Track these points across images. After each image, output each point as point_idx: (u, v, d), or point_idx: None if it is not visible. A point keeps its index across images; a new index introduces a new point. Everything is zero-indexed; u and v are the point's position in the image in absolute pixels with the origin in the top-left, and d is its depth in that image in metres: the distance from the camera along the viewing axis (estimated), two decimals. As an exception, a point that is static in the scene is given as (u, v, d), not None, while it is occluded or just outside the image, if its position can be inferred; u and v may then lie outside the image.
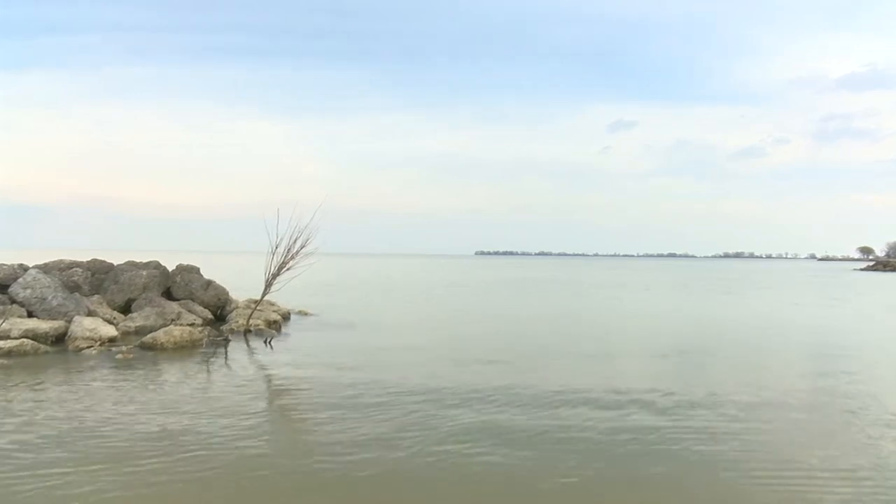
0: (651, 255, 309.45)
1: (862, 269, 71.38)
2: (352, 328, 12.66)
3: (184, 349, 9.51)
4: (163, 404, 6.09)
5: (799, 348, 10.88)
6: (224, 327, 11.48)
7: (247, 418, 5.65)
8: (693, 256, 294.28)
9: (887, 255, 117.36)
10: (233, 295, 13.83)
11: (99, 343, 9.42)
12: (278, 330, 12.02)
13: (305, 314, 14.70)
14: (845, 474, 4.39)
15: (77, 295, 10.99)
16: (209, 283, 13.24)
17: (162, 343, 9.47)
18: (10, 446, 4.73)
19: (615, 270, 61.87)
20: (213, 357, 8.94)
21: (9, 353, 8.50)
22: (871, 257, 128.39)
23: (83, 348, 9.16)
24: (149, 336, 9.67)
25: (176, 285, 12.84)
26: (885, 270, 67.73)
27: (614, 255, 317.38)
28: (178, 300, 12.58)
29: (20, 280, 10.55)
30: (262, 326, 11.71)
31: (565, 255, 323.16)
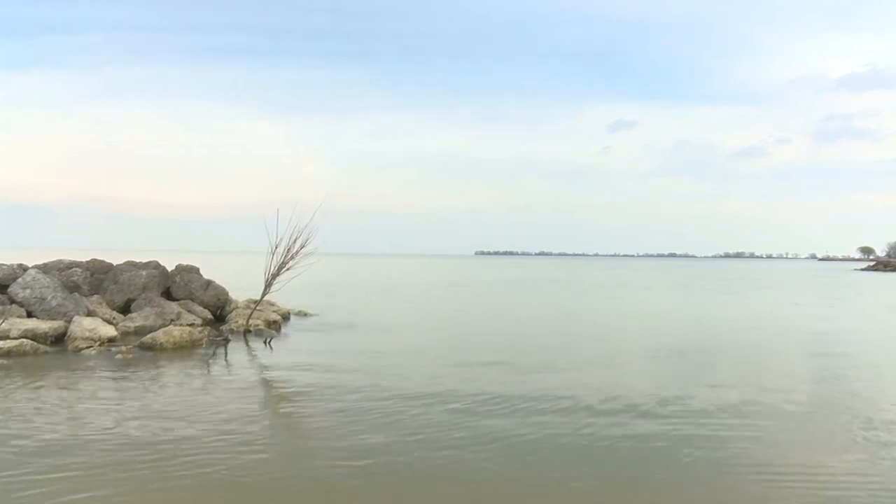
0: (651, 255, 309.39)
1: (862, 269, 71.34)
2: (352, 328, 12.65)
3: (183, 349, 9.50)
4: (162, 405, 6.08)
5: (799, 349, 10.86)
6: (224, 327, 11.47)
7: (246, 420, 5.64)
8: (693, 256, 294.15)
9: (888, 255, 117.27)
10: (232, 295, 13.82)
11: (98, 343, 9.41)
12: (278, 330, 12.01)
13: (305, 314, 14.69)
14: (846, 474, 4.37)
15: (76, 295, 10.98)
16: (209, 283, 13.23)
17: (161, 343, 9.46)
18: (9, 448, 4.72)
19: (615, 270, 61.84)
20: (212, 357, 8.93)
21: (8, 354, 8.49)
22: (871, 257, 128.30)
23: (83, 348, 9.15)
24: (148, 336, 9.66)
25: (175, 285, 12.83)
26: (885, 270, 67.67)
27: (614, 255, 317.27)
28: (177, 300, 12.58)
29: (19, 280, 10.55)
30: (261, 327, 11.70)
31: (565, 255, 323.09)
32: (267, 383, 7.50)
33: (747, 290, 28.97)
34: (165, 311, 11.60)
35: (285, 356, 9.17)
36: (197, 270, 13.31)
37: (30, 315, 10.15)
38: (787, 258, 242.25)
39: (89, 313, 10.74)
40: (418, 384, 7.19)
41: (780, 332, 13.20)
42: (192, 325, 11.28)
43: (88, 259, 12.63)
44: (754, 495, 4.03)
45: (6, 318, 9.61)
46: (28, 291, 10.38)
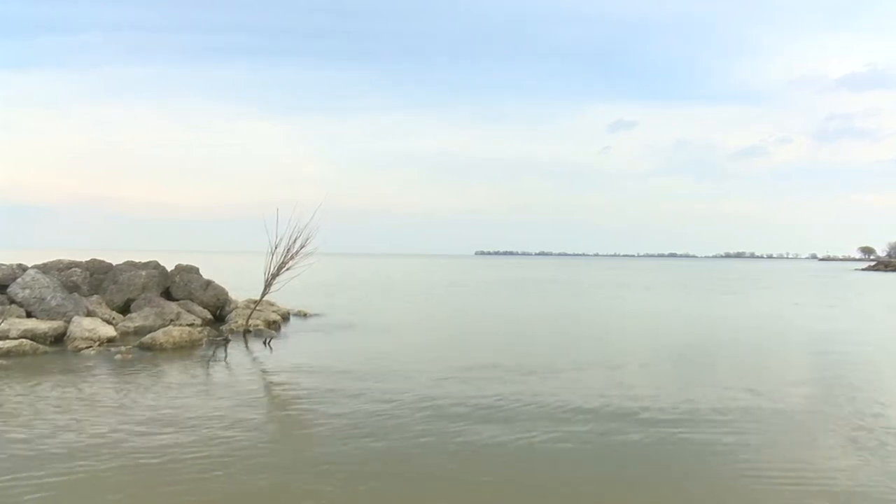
0: (651, 255, 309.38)
1: (863, 270, 71.31)
2: (351, 329, 12.64)
3: (183, 349, 9.49)
4: (162, 407, 6.07)
5: (799, 349, 10.85)
6: (223, 327, 11.46)
7: (246, 423, 5.63)
8: (694, 256, 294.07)
9: (888, 255, 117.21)
10: (232, 295, 13.82)
11: (98, 343, 9.40)
12: (277, 330, 12.01)
13: (305, 314, 14.68)
14: (846, 474, 4.36)
15: (76, 295, 10.97)
16: (208, 283, 13.22)
17: (161, 343, 9.45)
18: (9, 448, 4.71)
19: (615, 270, 61.83)
20: (212, 358, 8.92)
21: (8, 354, 8.48)
22: (872, 257, 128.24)
23: (82, 348, 9.15)
24: (148, 336, 9.65)
25: (175, 285, 12.83)
26: (886, 270, 67.65)
27: (614, 255, 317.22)
28: (177, 300, 12.57)
29: (19, 280, 10.54)
30: (261, 327, 11.69)
31: (565, 255, 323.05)
32: (267, 385, 7.49)
33: (747, 290, 28.95)
34: (165, 311, 11.59)
35: (285, 357, 9.15)
36: (196, 270, 13.30)
37: (29, 315, 10.15)
38: (787, 258, 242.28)
39: (89, 313, 10.74)
40: (418, 386, 7.18)
41: (780, 332, 13.19)
42: (191, 325, 11.27)
43: (88, 259, 12.63)
44: (754, 495, 4.02)
45: (6, 318, 9.60)
46: (27, 291, 10.37)
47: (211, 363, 8.52)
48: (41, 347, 8.96)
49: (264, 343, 10.19)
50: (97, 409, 5.90)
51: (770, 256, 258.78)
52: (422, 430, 5.37)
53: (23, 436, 5.00)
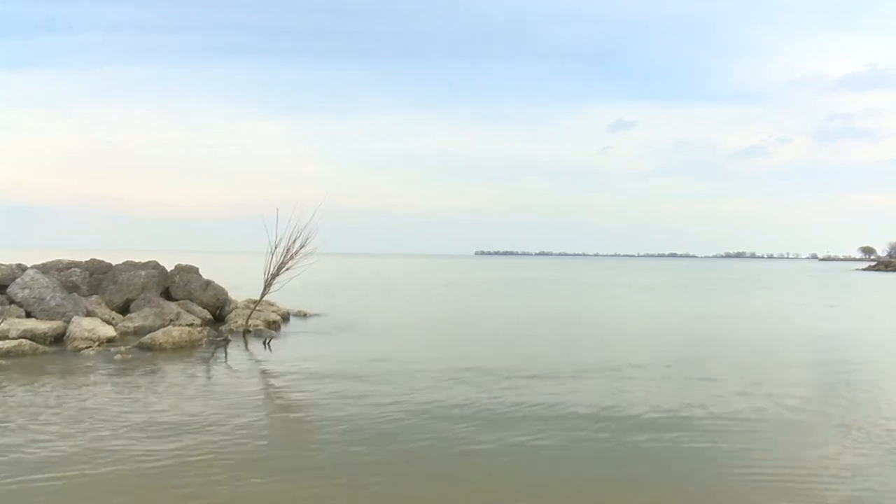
0: (652, 255, 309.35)
1: (863, 270, 71.29)
2: (351, 329, 12.63)
3: (183, 350, 9.48)
4: (162, 407, 6.06)
5: (799, 349, 10.84)
6: (223, 328, 11.46)
7: (247, 424, 5.62)
8: (694, 256, 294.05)
9: (889, 255, 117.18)
10: (232, 295, 13.81)
11: (97, 343, 9.40)
12: (277, 330, 12.00)
13: (305, 314, 14.67)
14: (846, 474, 4.35)
15: (75, 295, 10.97)
16: (208, 283, 13.22)
17: (161, 343, 9.44)
18: (9, 449, 4.70)
19: (615, 270, 61.82)
20: (211, 358, 8.92)
21: (7, 354, 8.48)
22: (872, 257, 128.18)
23: (82, 349, 9.14)
24: (147, 336, 9.65)
25: (175, 285, 12.82)
26: (886, 270, 67.63)
27: (615, 255, 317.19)
28: (176, 300, 12.56)
29: (18, 280, 10.53)
30: (261, 327, 11.69)
31: (566, 255, 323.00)
32: (267, 386, 7.48)
33: (747, 290, 28.94)
34: (164, 311, 11.58)
35: (285, 357, 9.14)
36: (196, 270, 13.29)
37: (29, 315, 10.14)
38: (787, 258, 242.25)
39: (88, 313, 10.73)
40: (419, 387, 7.17)
41: (781, 332, 13.18)
42: (191, 325, 11.27)
43: (87, 259, 12.63)
44: (754, 496, 4.01)
45: (5, 318, 9.59)
46: (27, 291, 10.36)
47: (211, 364, 8.51)
48: (41, 347, 8.95)
49: (264, 343, 10.18)
50: (97, 410, 5.88)
51: (770, 256, 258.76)
52: (423, 431, 5.36)
53: (22, 437, 4.99)
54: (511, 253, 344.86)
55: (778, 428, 5.58)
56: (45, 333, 9.54)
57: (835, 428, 5.58)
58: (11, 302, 10.27)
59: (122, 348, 9.16)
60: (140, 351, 9.21)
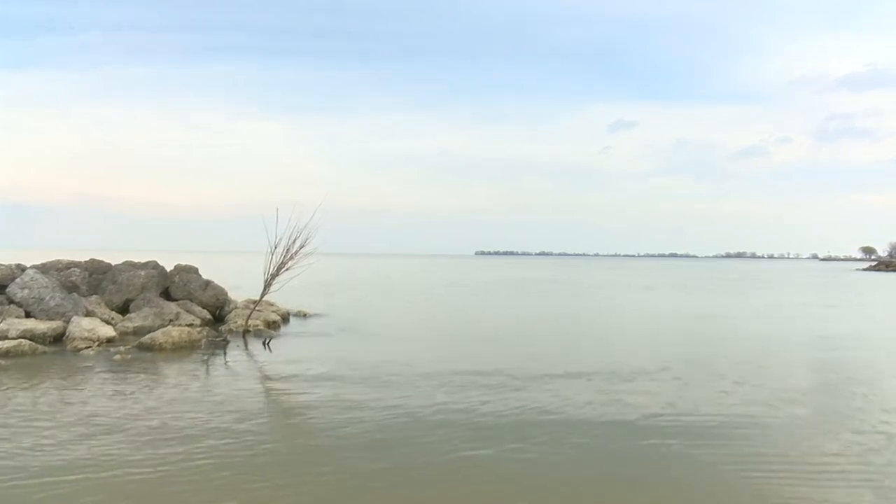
0: (652, 255, 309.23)
1: (864, 270, 71.25)
2: (351, 329, 12.62)
3: (182, 350, 9.47)
4: (161, 407, 6.05)
5: (799, 349, 10.83)
6: (223, 328, 11.45)
7: (246, 426, 5.60)
8: (694, 256, 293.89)
9: (889, 255, 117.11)
10: (232, 295, 13.80)
11: (97, 344, 9.39)
12: (277, 330, 11.99)
13: (305, 315, 14.66)
14: (847, 474, 4.34)
15: (75, 295, 10.96)
16: (208, 283, 13.21)
17: (160, 344, 9.43)
18: (9, 450, 4.69)
19: (616, 270, 61.81)
20: (211, 358, 8.91)
21: (6, 354, 8.47)
22: (873, 257, 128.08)
23: (81, 349, 9.13)
24: (147, 336, 9.64)
25: (174, 285, 12.81)
26: (887, 270, 67.59)
27: (615, 255, 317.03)
28: (176, 300, 12.55)
29: (18, 280, 10.53)
30: (260, 327, 11.68)
31: (566, 255, 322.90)
32: (266, 387, 7.47)
33: (748, 290, 28.93)
34: (164, 311, 11.57)
35: (284, 358, 9.13)
36: (196, 270, 13.28)
37: (28, 315, 10.13)
38: (788, 258, 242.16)
39: (88, 313, 10.72)
40: (419, 387, 7.15)
41: (781, 332, 13.16)
42: (190, 325, 11.25)
43: (87, 259, 12.62)
44: (754, 496, 4.00)
45: (4, 318, 9.59)
46: (26, 291, 10.35)
47: (210, 364, 8.50)
48: (40, 348, 8.94)
49: (263, 344, 10.17)
50: (96, 411, 5.87)
51: (771, 256, 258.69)
52: (423, 432, 5.34)
53: (21, 438, 4.98)
54: (511, 253, 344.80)
55: (778, 428, 5.57)
56: (44, 333, 9.54)
57: (835, 428, 5.56)
58: (11, 302, 10.27)
59: (122, 348, 9.15)
60: (139, 351, 9.20)
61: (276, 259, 11.68)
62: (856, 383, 7.53)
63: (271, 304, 13.86)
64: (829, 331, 13.39)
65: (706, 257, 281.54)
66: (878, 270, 68.45)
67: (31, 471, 4.23)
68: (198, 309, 12.50)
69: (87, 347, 9.18)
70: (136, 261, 12.88)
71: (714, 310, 18.61)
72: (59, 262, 12.09)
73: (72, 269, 11.88)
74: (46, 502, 3.76)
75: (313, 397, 6.56)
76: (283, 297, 13.14)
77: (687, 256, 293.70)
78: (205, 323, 12.10)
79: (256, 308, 12.33)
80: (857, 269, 71.72)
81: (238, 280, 21.64)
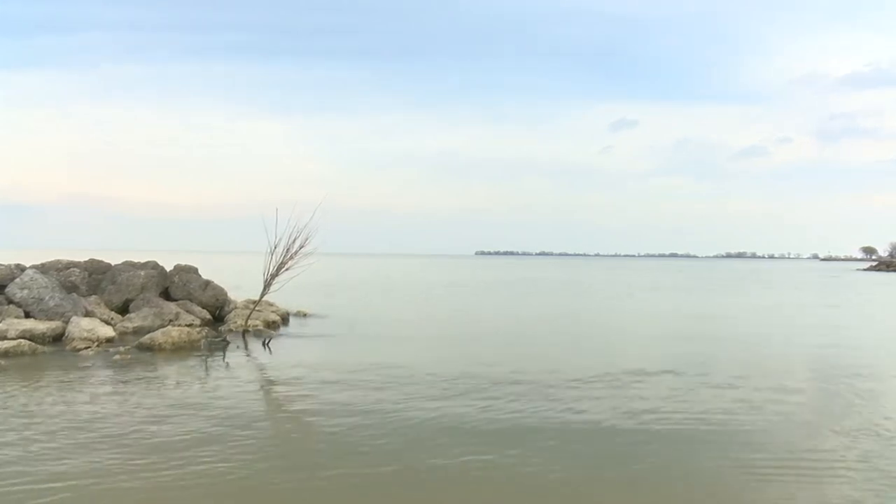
0: (652, 255, 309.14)
1: (864, 270, 71.21)
2: (351, 329, 12.61)
3: (182, 350, 9.46)
4: (161, 407, 6.04)
5: (800, 349, 10.82)
6: (222, 328, 11.44)
7: (247, 427, 5.59)
8: (695, 256, 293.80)
9: (890, 255, 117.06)
10: (231, 295, 13.79)
11: (96, 344, 9.38)
12: (277, 330, 11.98)
13: (304, 315, 14.65)
14: (848, 474, 4.33)
15: (74, 295, 10.95)
16: (207, 283, 13.20)
17: (160, 344, 9.42)
18: (9, 451, 4.67)
19: (616, 270, 61.79)
20: (211, 358, 8.89)
21: (6, 354, 8.46)
22: (873, 257, 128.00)
23: (81, 349, 9.12)
24: (147, 337, 9.63)
25: (174, 286, 12.80)
26: (887, 271, 67.55)
27: (615, 256, 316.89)
28: (176, 300, 12.54)
29: (17, 280, 10.52)
30: (260, 327, 11.67)
31: (566, 255, 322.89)
32: (266, 388, 7.46)
33: (748, 290, 28.92)
34: (164, 311, 11.57)
35: (284, 358, 9.12)
36: (195, 270, 13.28)
37: (27, 315, 10.13)
38: (788, 258, 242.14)
39: (87, 314, 10.71)
40: (418, 388, 7.14)
41: (781, 333, 13.16)
42: (190, 325, 11.25)
43: (86, 259, 12.61)
44: (755, 495, 3.98)
45: (4, 319, 9.58)
46: (26, 292, 10.35)
47: (210, 365, 8.49)
48: (40, 348, 8.93)
49: (263, 344, 10.16)
50: (96, 411, 5.86)
51: (771, 256, 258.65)
52: (423, 432, 5.33)
53: (21, 439, 4.97)
54: (511, 253, 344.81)
55: (779, 427, 5.55)
56: (43, 334, 9.53)
57: (836, 427, 5.55)
58: (10, 302, 10.26)
59: (121, 349, 9.14)
60: (139, 351, 9.19)
61: (276, 259, 11.69)
62: (856, 383, 7.51)
63: (271, 305, 13.85)
64: (830, 331, 13.37)
65: (707, 257, 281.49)
66: (879, 270, 68.41)
67: (30, 475, 4.21)
68: (197, 309, 12.49)
69: (86, 348, 9.17)
70: (136, 261, 12.87)
71: (714, 310, 18.60)
72: (58, 262, 12.08)
73: (71, 269, 11.87)
74: (43, 501, 3.74)
75: (313, 399, 6.55)
76: (283, 297, 13.13)
77: (687, 256, 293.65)
78: (204, 323, 12.10)
79: (256, 308, 12.32)
80: (858, 269, 71.68)
81: (238, 280, 21.62)
